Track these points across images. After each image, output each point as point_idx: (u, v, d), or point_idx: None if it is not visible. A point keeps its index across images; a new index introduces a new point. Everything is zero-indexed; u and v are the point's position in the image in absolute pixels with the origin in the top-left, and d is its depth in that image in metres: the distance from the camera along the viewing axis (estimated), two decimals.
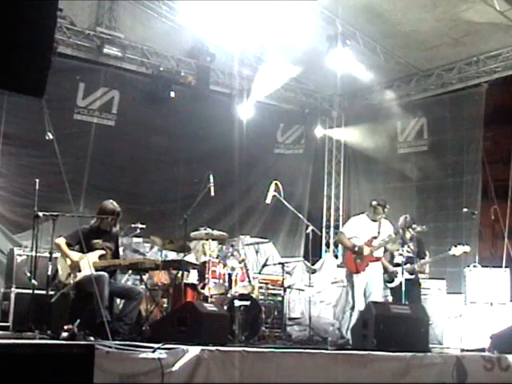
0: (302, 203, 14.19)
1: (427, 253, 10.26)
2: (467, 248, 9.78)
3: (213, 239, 10.00)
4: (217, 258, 9.86)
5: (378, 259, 9.33)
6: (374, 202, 9.45)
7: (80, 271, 7.76)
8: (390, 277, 9.73)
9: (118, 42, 12.02)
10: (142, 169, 12.76)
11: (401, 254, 9.76)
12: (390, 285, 9.74)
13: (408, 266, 9.71)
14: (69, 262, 7.82)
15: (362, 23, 12.16)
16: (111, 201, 8.28)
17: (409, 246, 9.65)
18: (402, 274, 9.41)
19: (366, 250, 9.24)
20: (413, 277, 9.79)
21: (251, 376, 5.01)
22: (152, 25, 12.35)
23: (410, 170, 13.93)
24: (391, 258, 9.87)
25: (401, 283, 9.28)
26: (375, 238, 9.34)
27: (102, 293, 7.22)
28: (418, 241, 10.02)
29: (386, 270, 9.66)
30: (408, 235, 9.69)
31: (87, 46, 11.92)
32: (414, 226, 9.46)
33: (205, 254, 10.01)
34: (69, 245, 7.89)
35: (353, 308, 9.23)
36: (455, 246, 9.76)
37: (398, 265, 9.76)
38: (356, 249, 9.29)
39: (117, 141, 12.50)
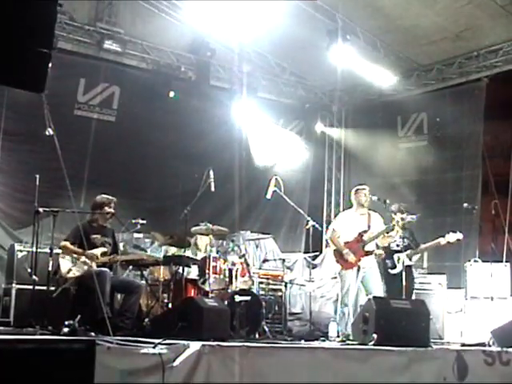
0: (302, 198, 14.18)
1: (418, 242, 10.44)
2: (460, 235, 9.99)
3: (213, 235, 10.02)
4: (217, 252, 9.88)
5: (368, 253, 9.30)
6: (359, 201, 9.47)
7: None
8: (392, 263, 9.79)
9: (118, 37, 11.99)
10: (143, 164, 12.73)
11: (398, 244, 9.87)
12: (392, 271, 9.79)
13: (408, 252, 9.94)
14: (83, 258, 7.88)
15: (362, 18, 12.15)
16: (102, 195, 8.39)
17: (404, 234, 9.81)
18: (406, 260, 9.78)
19: (352, 258, 9.22)
20: (412, 263, 10.11)
21: (252, 371, 5.02)
22: (152, 20, 12.32)
23: (409, 164, 13.93)
24: (388, 246, 9.90)
25: (402, 270, 9.63)
26: (365, 231, 9.32)
27: (103, 288, 7.25)
28: (410, 231, 10.14)
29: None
30: (402, 223, 9.78)
31: (87, 41, 11.90)
32: (403, 216, 9.46)
33: (198, 249, 10.06)
34: (72, 244, 7.96)
35: (346, 304, 9.18)
36: (448, 233, 9.99)
37: (397, 251, 9.88)
38: (344, 252, 9.29)
39: (117, 136, 12.48)
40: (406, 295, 9.39)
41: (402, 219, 9.34)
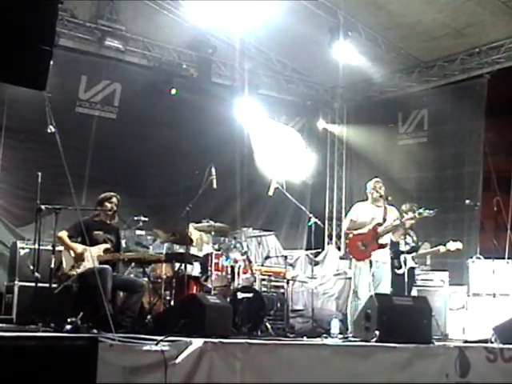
0: (304, 195, 14.18)
1: (419, 244, 10.61)
2: (460, 245, 10.43)
3: (215, 232, 10.02)
4: (219, 249, 9.89)
5: (382, 246, 9.30)
6: (376, 194, 9.46)
7: (83, 260, 7.81)
8: (399, 263, 9.81)
9: (120, 34, 11.99)
10: (144, 161, 12.73)
11: (407, 243, 9.87)
12: (398, 271, 9.80)
13: (414, 254, 10.15)
14: (73, 254, 7.86)
15: (363, 15, 12.13)
16: (109, 193, 8.40)
17: (410, 235, 9.83)
18: (410, 261, 9.95)
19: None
20: (416, 265, 10.40)
21: (254, 368, 5.02)
22: (153, 17, 12.32)
23: (410, 161, 13.93)
24: (397, 246, 9.89)
25: (404, 271, 9.60)
26: (380, 224, 9.31)
27: (104, 286, 7.25)
28: (415, 233, 10.26)
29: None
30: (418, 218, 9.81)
31: (89, 38, 11.90)
32: (420, 210, 9.45)
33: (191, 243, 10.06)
34: (70, 237, 7.94)
35: (359, 298, 9.14)
36: (448, 242, 10.42)
37: (403, 252, 9.89)
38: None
39: (118, 134, 12.47)
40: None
41: (420, 214, 9.33)
